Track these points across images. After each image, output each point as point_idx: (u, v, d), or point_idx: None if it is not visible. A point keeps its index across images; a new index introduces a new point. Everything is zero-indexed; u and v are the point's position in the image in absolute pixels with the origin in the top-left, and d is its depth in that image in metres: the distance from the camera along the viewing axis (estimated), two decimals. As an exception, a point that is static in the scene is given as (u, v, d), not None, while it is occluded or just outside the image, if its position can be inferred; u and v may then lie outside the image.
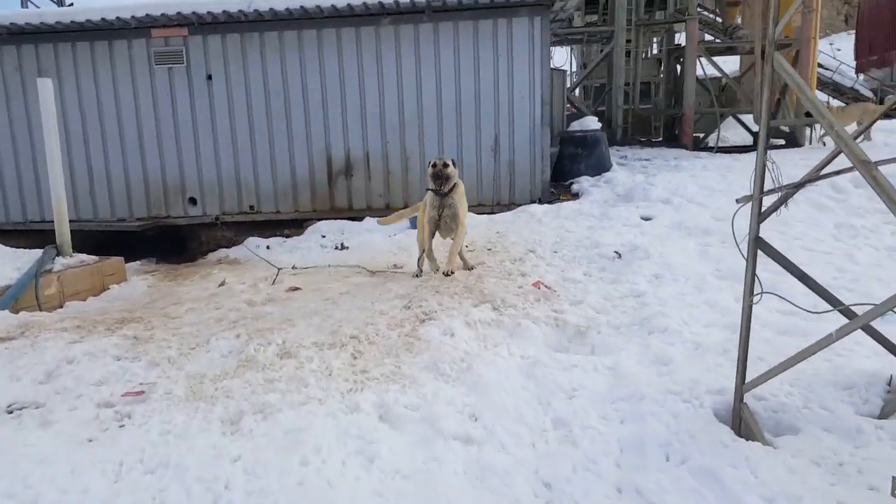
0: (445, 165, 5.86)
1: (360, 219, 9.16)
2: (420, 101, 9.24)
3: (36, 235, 9.29)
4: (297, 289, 6.18)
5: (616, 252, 6.21)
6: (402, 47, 9.10)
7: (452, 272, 5.78)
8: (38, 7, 13.90)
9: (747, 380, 3.13)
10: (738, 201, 3.13)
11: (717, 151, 14.73)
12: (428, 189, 6.02)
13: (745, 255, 3.02)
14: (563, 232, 7.16)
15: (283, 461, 3.00)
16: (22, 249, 6.83)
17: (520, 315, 4.78)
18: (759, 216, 2.99)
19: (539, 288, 5.25)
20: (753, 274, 2.99)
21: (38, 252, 6.57)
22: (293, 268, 7.20)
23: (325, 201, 9.57)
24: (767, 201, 3.02)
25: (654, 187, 8.46)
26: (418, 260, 6.33)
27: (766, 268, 3.12)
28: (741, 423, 3.14)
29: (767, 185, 2.93)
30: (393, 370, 4.02)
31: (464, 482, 2.92)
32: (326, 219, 9.32)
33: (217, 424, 3.40)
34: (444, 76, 9.16)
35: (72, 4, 13.84)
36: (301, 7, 8.72)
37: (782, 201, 3.11)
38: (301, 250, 8.37)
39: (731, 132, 19.21)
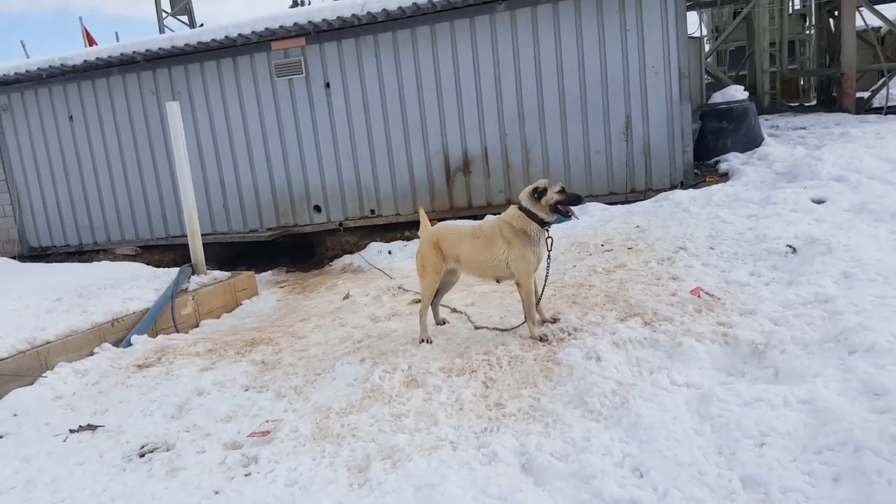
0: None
1: (481, 217, 8.72)
2: (540, 88, 8.60)
3: (177, 249, 9.81)
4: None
5: (789, 246, 5.23)
6: (518, 33, 8.50)
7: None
8: (173, 31, 14.79)
9: None
10: None
11: (886, 113, 12.73)
12: (544, 222, 4.30)
13: None
14: (718, 223, 6.22)
15: (415, 527, 2.60)
16: (161, 269, 7.10)
17: (678, 331, 4.07)
18: None
19: (699, 296, 4.48)
20: None
21: (174, 271, 6.76)
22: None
23: (444, 201, 9.23)
24: None
25: (821, 162, 7.21)
26: (530, 328, 4.39)
27: None
28: None
29: None
30: (531, 404, 3.52)
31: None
32: (446, 219, 8.95)
33: (344, 473, 3.09)
34: (566, 59, 8.44)
35: (202, 25, 14.61)
36: (413, 3, 8.38)
37: None
38: (422, 255, 8.05)
39: (897, 90, 16.65)
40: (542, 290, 4.56)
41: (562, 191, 4.24)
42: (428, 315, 4.77)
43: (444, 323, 5.02)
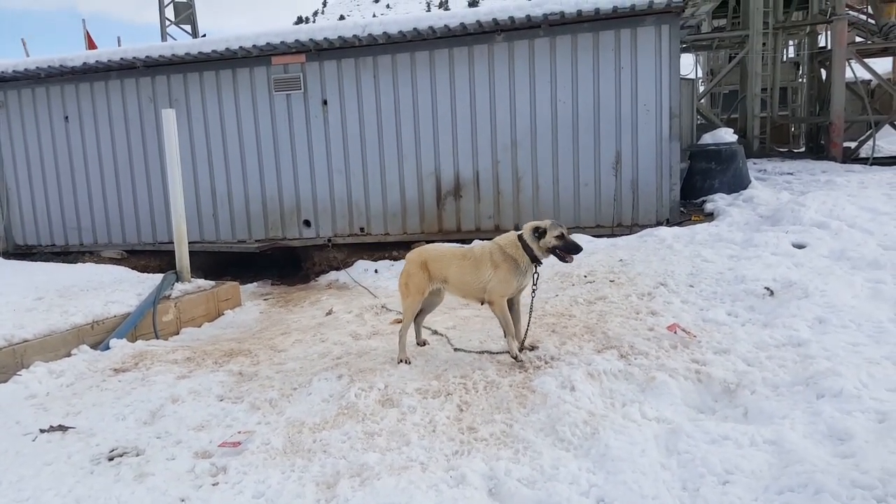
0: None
1: (469, 241, 8.78)
2: (534, 118, 8.75)
3: (163, 255, 9.79)
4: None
5: (767, 288, 5.34)
6: (515, 64, 8.68)
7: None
8: (175, 40, 14.93)
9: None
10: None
11: (872, 164, 13.03)
12: (537, 259, 4.39)
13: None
14: (700, 261, 6.33)
15: (379, 545, 2.61)
16: (145, 274, 7.08)
17: (653, 366, 4.13)
18: None
19: (675, 332, 4.55)
20: None
21: (159, 277, 6.76)
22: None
23: (434, 223, 9.30)
24: None
25: (804, 208, 7.36)
26: (510, 343, 4.50)
27: None
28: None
29: None
30: (504, 429, 3.55)
31: None
32: (434, 241, 9.03)
33: (312, 488, 3.09)
34: (561, 92, 8.62)
35: (204, 35, 14.76)
36: (414, 29, 8.56)
37: None
38: (409, 275, 8.10)
39: (885, 141, 17.04)
40: (528, 324, 4.65)
41: (560, 236, 4.31)
42: (408, 336, 4.80)
43: (424, 344, 5.05)
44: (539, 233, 4.32)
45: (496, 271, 4.41)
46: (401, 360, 4.62)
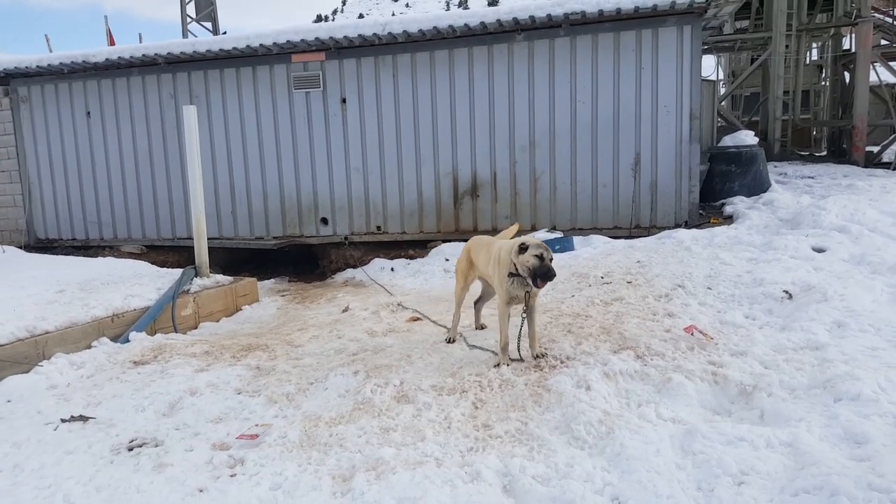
0: (551, 260, 4.13)
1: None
2: (552, 118, 8.74)
3: (182, 251, 9.92)
4: (417, 319, 5.90)
5: (786, 291, 5.29)
6: (535, 64, 8.67)
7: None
8: (196, 37, 15.08)
9: None
10: None
11: (895, 168, 12.83)
12: (513, 274, 4.26)
13: None
14: (718, 264, 6.28)
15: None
16: (164, 269, 7.17)
17: (669, 367, 4.11)
18: None
19: (692, 334, 4.53)
20: None
21: (178, 271, 6.85)
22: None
23: (450, 223, 9.32)
24: None
25: (825, 212, 7.29)
26: (498, 350, 4.47)
27: None
28: None
29: None
30: (519, 427, 3.56)
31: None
32: (450, 240, 9.07)
33: (328, 481, 3.12)
34: (580, 92, 8.59)
35: (225, 33, 14.90)
36: (434, 28, 8.58)
37: None
38: (424, 274, 8.15)
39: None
40: (520, 334, 4.47)
41: (540, 257, 4.08)
42: (459, 318, 5.11)
43: (483, 328, 5.27)
44: (522, 248, 4.16)
45: (496, 271, 4.44)
46: (448, 340, 5.00)
